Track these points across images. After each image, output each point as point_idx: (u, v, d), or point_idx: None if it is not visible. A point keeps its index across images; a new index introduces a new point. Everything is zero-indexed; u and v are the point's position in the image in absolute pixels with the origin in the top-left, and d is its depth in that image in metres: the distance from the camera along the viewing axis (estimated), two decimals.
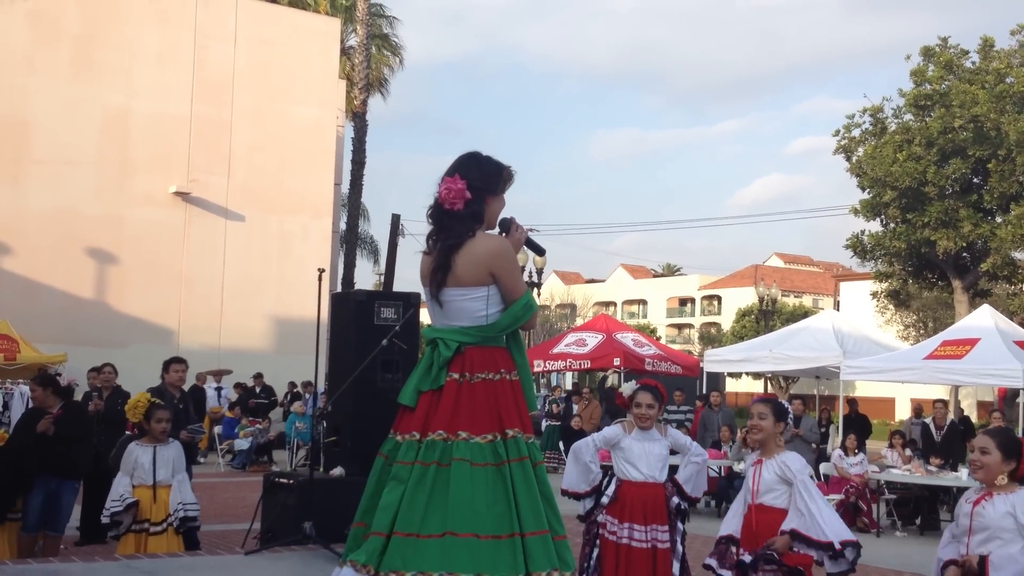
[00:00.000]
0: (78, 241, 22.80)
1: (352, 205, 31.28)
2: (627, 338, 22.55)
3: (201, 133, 24.28)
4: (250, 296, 24.19)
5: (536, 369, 23.62)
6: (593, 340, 22.14)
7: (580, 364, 22.29)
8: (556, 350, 22.79)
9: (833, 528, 4.98)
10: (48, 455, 7.36)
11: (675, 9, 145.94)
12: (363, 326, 7.65)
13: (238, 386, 20.76)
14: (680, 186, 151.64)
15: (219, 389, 20.09)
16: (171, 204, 23.90)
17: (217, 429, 18.84)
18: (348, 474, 7.43)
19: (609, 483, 5.85)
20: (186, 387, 9.03)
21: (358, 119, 31.49)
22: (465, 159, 3.97)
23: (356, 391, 7.49)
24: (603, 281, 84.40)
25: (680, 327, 78.25)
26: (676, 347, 61.55)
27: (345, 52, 34.07)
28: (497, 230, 3.99)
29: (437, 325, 3.94)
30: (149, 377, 18.27)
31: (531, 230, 4.17)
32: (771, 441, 5.31)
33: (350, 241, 31.31)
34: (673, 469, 5.92)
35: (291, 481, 7.47)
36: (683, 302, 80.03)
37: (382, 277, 33.50)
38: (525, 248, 4.19)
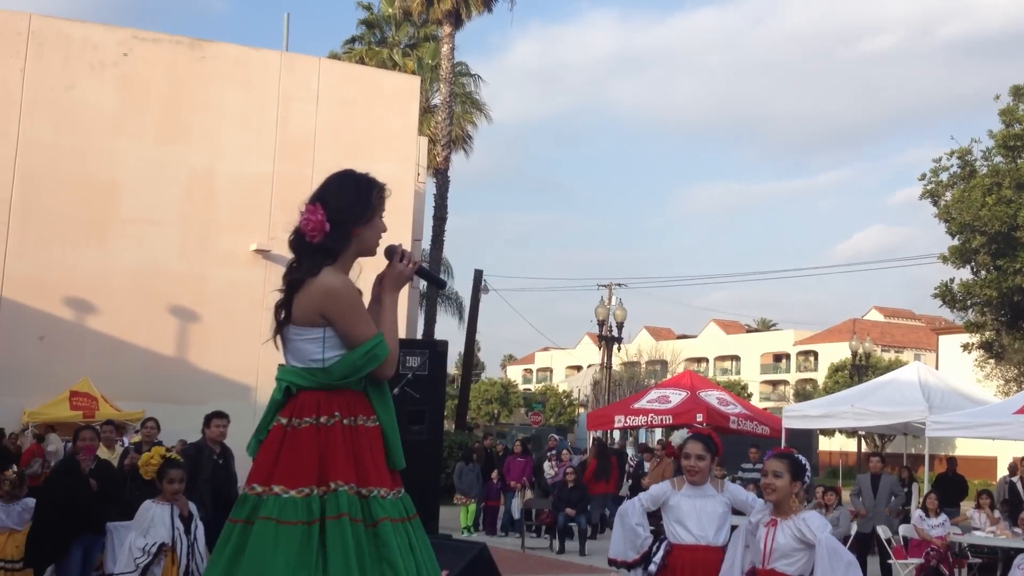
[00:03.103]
0: (161, 299, 23.30)
1: (433, 261, 31.47)
2: (712, 396, 22.05)
3: (282, 192, 24.70)
4: None
5: (617, 425, 23.19)
6: (677, 397, 21.72)
7: (662, 420, 21.85)
8: (638, 405, 22.41)
9: None
10: (91, 512, 7.29)
11: (770, 61, 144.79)
12: None
13: None
14: (779, 240, 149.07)
15: None
16: (251, 262, 24.30)
17: None
18: None
19: (659, 548, 5.34)
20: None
21: (440, 176, 31.85)
22: (331, 182, 3.65)
23: None
24: (695, 337, 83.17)
25: (775, 384, 76.44)
26: (770, 404, 60.10)
27: (429, 110, 34.62)
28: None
29: (285, 365, 3.61)
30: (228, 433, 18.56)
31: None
32: (787, 501, 4.82)
33: (431, 297, 31.45)
34: None
35: None
36: (778, 358, 78.27)
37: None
38: (419, 279, 3.81)
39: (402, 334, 24.56)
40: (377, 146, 25.91)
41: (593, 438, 25.13)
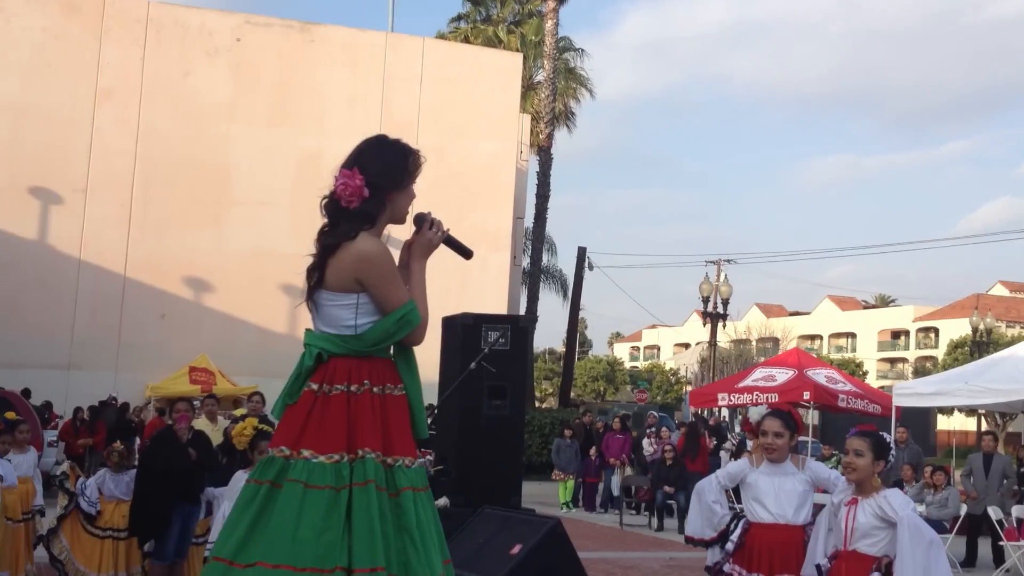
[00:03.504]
0: (273, 278, 24.03)
1: (536, 239, 31.57)
2: (820, 374, 21.54)
3: None
4: (430, 329, 24.73)
5: (720, 403, 22.94)
6: (783, 375, 21.30)
7: (767, 398, 21.49)
8: (743, 384, 22.03)
9: None
10: (188, 483, 7.57)
11: (892, 27, 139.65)
12: (470, 350, 7.59)
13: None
14: (899, 214, 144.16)
15: None
16: None
17: None
18: (452, 505, 7.35)
19: (736, 526, 5.26)
20: None
21: (543, 153, 31.87)
22: (367, 148, 3.60)
23: (462, 419, 7.44)
24: (808, 313, 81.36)
25: (892, 361, 74.25)
26: (887, 383, 58.41)
27: (532, 87, 34.63)
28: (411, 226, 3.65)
29: (313, 330, 3.60)
30: None
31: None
32: (869, 480, 4.70)
33: (534, 275, 31.57)
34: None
35: None
36: (896, 335, 75.95)
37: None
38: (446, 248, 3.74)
39: (503, 310, 24.87)
40: (479, 124, 26.12)
41: (694, 415, 24.96)
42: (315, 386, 3.47)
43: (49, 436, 18.11)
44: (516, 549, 6.06)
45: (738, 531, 5.29)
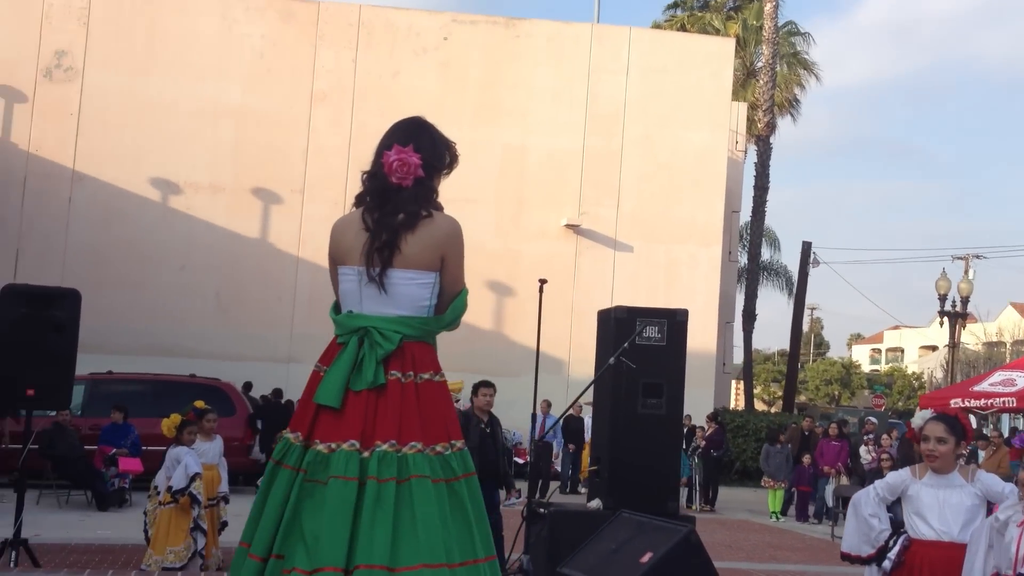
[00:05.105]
0: (479, 275, 24.08)
1: (754, 232, 30.25)
2: None
3: (592, 166, 24.78)
4: (591, 321, 24.18)
5: (953, 407, 21.18)
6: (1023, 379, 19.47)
7: (1004, 403, 19.62)
8: (978, 388, 20.25)
9: None
10: None
11: None
12: (623, 344, 7.02)
13: None
14: None
15: None
16: (562, 237, 24.57)
17: None
18: (605, 507, 6.83)
19: (895, 543, 4.73)
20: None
21: (761, 143, 30.52)
22: (418, 129, 3.58)
23: (614, 418, 6.90)
24: None
25: None
26: None
27: (753, 74, 33.28)
28: None
29: (367, 312, 3.31)
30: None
31: None
32: None
33: (752, 271, 30.26)
34: None
35: (544, 511, 7.02)
36: None
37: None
38: None
39: (713, 307, 23.81)
40: (688, 114, 25.24)
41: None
42: (398, 374, 3.26)
43: None
44: (647, 557, 5.49)
45: (897, 548, 4.72)
